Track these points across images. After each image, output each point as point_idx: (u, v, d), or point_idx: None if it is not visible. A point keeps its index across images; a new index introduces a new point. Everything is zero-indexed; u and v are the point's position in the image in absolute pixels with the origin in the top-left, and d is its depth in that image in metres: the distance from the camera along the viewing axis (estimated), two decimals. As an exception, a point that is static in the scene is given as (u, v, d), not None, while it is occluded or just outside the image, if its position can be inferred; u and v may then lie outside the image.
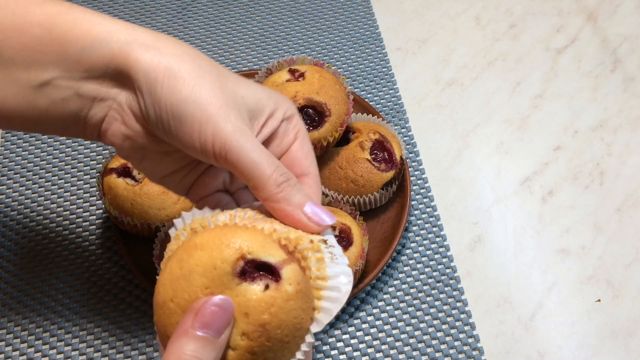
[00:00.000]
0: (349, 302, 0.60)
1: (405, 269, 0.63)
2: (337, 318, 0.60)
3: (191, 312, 0.32)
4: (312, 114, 0.61)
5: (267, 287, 0.33)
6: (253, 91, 0.39)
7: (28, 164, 0.70)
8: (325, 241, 0.37)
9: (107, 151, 0.71)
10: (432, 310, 0.60)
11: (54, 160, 0.70)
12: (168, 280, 0.34)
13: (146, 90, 0.36)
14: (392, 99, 0.76)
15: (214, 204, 0.42)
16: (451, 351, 0.58)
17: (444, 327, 0.59)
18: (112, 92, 0.37)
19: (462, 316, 0.60)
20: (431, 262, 0.63)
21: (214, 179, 0.43)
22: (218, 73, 0.37)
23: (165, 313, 0.33)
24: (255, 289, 0.33)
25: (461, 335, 0.59)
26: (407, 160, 0.69)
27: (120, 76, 0.36)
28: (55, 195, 0.67)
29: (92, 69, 0.36)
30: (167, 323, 0.33)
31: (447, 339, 0.59)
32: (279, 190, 0.36)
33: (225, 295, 0.33)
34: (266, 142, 0.40)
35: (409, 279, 0.62)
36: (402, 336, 0.59)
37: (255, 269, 0.33)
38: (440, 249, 0.64)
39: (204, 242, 0.34)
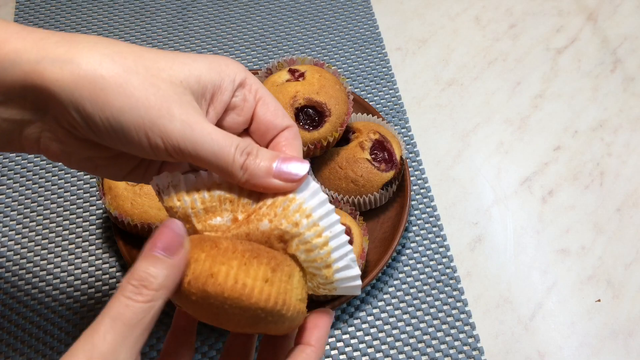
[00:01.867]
0: (349, 302, 0.60)
1: (405, 269, 0.63)
2: (337, 318, 0.60)
3: (150, 239, 0.34)
4: (312, 114, 0.61)
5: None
6: (190, 69, 0.35)
7: (28, 164, 0.70)
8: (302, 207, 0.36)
9: (107, 151, 0.71)
10: (432, 310, 0.60)
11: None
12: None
13: (74, 109, 0.33)
14: (392, 99, 0.76)
15: None
16: (451, 351, 0.58)
17: (444, 327, 0.59)
18: (38, 114, 0.35)
19: (462, 316, 0.60)
20: (431, 262, 0.63)
21: (177, 164, 0.41)
22: (146, 66, 0.34)
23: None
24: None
25: (461, 335, 0.59)
26: (407, 160, 0.69)
27: (41, 98, 0.34)
28: (55, 195, 0.67)
29: (8, 92, 0.33)
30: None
31: (447, 339, 0.59)
32: (244, 172, 0.35)
33: (177, 220, 0.34)
34: (224, 116, 0.39)
35: (409, 279, 0.62)
36: (402, 336, 0.59)
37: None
38: (440, 249, 0.64)
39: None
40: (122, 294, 0.32)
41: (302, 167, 0.36)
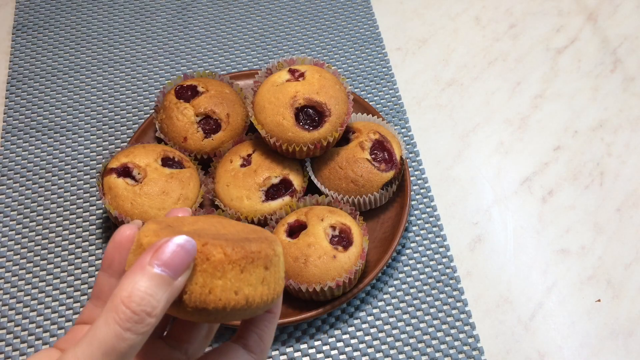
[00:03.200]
0: (349, 302, 0.60)
1: (405, 269, 0.63)
2: (337, 318, 0.60)
3: (151, 250, 0.29)
4: (312, 114, 0.61)
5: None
6: None
7: (28, 164, 0.70)
8: None
9: (107, 151, 0.71)
10: (432, 310, 0.60)
11: (54, 160, 0.70)
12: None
13: None
14: (392, 99, 0.76)
15: None
16: (451, 351, 0.58)
17: (444, 327, 0.59)
18: None
19: (462, 316, 0.60)
20: (431, 262, 0.63)
21: None
22: None
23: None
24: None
25: (461, 335, 0.59)
26: (407, 160, 0.69)
27: None
28: (55, 195, 0.67)
29: None
30: None
31: (447, 339, 0.59)
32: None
33: (190, 238, 0.30)
34: None
35: (409, 279, 0.62)
36: (402, 336, 0.59)
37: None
38: (440, 249, 0.64)
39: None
40: (117, 322, 0.27)
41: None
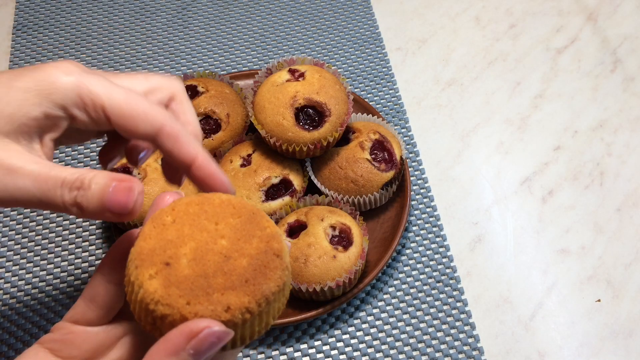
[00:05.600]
0: (349, 302, 0.60)
1: (405, 269, 0.63)
2: (337, 318, 0.60)
3: (185, 331, 0.29)
4: (312, 114, 0.61)
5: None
6: (6, 111, 0.33)
7: (28, 164, 0.70)
8: None
9: (107, 151, 0.71)
10: (432, 310, 0.60)
11: (53, 160, 0.70)
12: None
13: None
14: (392, 99, 0.76)
15: None
16: (451, 351, 0.58)
17: (444, 327, 0.59)
18: None
19: (462, 316, 0.60)
20: (431, 262, 0.63)
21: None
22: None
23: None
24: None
25: (461, 335, 0.59)
26: (407, 160, 0.69)
27: None
28: (55, 195, 0.67)
29: None
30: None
31: (447, 339, 0.59)
32: (77, 209, 0.32)
33: (229, 330, 0.30)
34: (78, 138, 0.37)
35: (409, 279, 0.62)
36: (402, 336, 0.59)
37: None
38: (440, 249, 0.64)
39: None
40: None
41: (130, 195, 0.32)
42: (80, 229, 0.65)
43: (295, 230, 0.59)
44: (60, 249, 0.63)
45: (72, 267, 0.62)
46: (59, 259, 0.63)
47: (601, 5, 0.85)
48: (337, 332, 0.59)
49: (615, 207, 0.67)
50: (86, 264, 0.63)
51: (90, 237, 0.64)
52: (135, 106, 0.35)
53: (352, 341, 0.59)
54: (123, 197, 0.32)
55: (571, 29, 0.83)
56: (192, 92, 0.66)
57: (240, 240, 0.32)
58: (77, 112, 0.34)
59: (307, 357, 0.58)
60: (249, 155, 0.63)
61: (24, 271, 0.62)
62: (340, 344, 0.58)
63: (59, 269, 0.62)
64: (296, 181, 0.63)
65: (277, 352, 0.58)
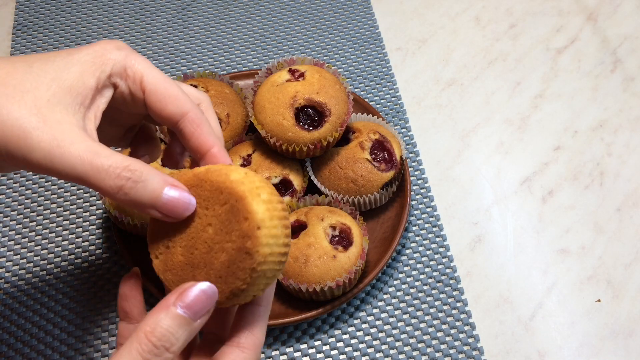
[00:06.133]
0: (349, 302, 0.60)
1: (405, 269, 0.63)
2: (337, 318, 0.60)
3: (176, 292, 0.33)
4: (312, 114, 0.61)
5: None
6: (58, 84, 0.35)
7: (28, 164, 0.70)
8: None
9: (107, 151, 0.71)
10: (432, 310, 0.60)
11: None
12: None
13: None
14: (392, 99, 0.76)
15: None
16: (451, 351, 0.58)
17: (444, 327, 0.59)
18: None
19: (462, 316, 0.60)
20: (431, 262, 0.63)
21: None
22: (13, 85, 0.34)
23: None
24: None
25: (461, 335, 0.59)
26: (407, 160, 0.69)
27: None
28: (55, 195, 0.67)
29: None
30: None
31: (447, 339, 0.59)
32: (123, 195, 0.34)
33: (212, 285, 0.34)
34: (115, 115, 0.40)
35: (409, 279, 0.62)
36: (402, 336, 0.59)
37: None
38: (440, 249, 0.64)
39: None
40: (139, 352, 0.31)
41: (189, 204, 0.35)
42: (80, 229, 0.65)
43: (295, 230, 0.59)
44: (60, 249, 0.63)
45: (72, 267, 0.62)
46: (59, 259, 0.63)
47: (601, 5, 0.85)
48: (337, 332, 0.59)
49: (615, 207, 0.67)
50: (86, 264, 0.62)
51: (91, 237, 0.64)
52: (169, 88, 0.38)
53: (352, 341, 0.59)
54: (181, 208, 0.35)
55: (571, 29, 0.83)
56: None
57: (222, 232, 0.35)
58: (120, 82, 0.38)
59: (307, 357, 0.58)
60: (249, 155, 0.63)
61: (23, 271, 0.62)
62: (340, 344, 0.58)
63: (59, 269, 0.62)
64: (296, 181, 0.63)
65: (277, 352, 0.58)
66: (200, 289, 0.33)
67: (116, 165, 0.34)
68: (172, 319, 0.32)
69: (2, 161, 0.34)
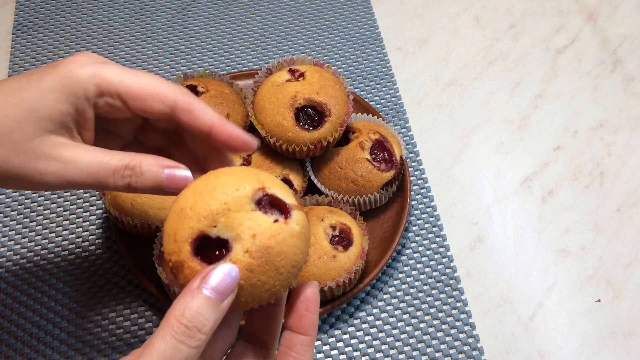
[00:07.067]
0: (349, 302, 0.60)
1: (405, 269, 0.63)
2: (337, 318, 0.60)
3: (200, 275, 0.33)
4: (312, 114, 0.61)
5: (276, 220, 0.35)
6: (44, 111, 0.38)
7: (28, 164, 0.70)
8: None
9: (107, 151, 0.71)
10: (432, 310, 0.60)
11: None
12: (191, 193, 0.36)
13: None
14: (392, 99, 0.76)
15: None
16: (451, 351, 0.58)
17: (444, 327, 0.59)
18: None
19: (462, 316, 0.60)
20: (431, 262, 0.63)
21: None
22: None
23: (180, 217, 0.36)
24: (266, 219, 0.35)
25: (461, 335, 0.59)
26: (407, 160, 0.69)
27: None
28: (55, 195, 0.67)
29: None
30: (180, 227, 0.35)
31: (447, 339, 0.59)
32: (131, 189, 0.37)
33: (234, 265, 0.34)
34: (106, 126, 0.42)
35: (409, 279, 0.62)
36: (402, 336, 0.59)
37: (270, 204, 0.36)
38: (440, 249, 0.64)
39: (232, 171, 0.37)
40: (173, 335, 0.31)
41: (185, 171, 0.38)
42: (80, 229, 0.65)
43: (295, 230, 0.58)
44: (60, 249, 0.63)
45: (73, 267, 0.62)
46: (59, 258, 0.63)
47: (601, 5, 0.85)
48: (337, 332, 0.59)
49: (615, 207, 0.67)
50: (86, 264, 0.62)
51: (91, 237, 0.64)
52: (146, 87, 0.39)
53: (352, 341, 0.59)
54: (181, 183, 0.38)
55: (571, 29, 0.83)
56: (192, 92, 0.66)
57: None
58: (98, 101, 0.39)
59: (307, 357, 0.58)
60: (249, 156, 0.63)
61: (23, 271, 0.62)
62: (340, 344, 0.58)
63: (59, 269, 0.62)
64: (296, 181, 0.63)
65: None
66: (222, 272, 0.33)
67: (119, 165, 0.38)
68: (200, 300, 0.32)
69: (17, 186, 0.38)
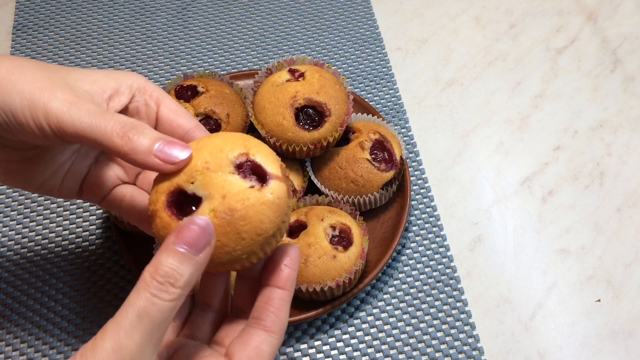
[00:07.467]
0: (349, 302, 0.60)
1: (405, 269, 0.63)
2: (337, 318, 0.60)
3: (174, 232, 0.34)
4: (312, 114, 0.61)
5: (252, 187, 0.36)
6: (87, 75, 0.39)
7: (28, 164, 0.70)
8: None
9: (107, 151, 0.71)
10: (432, 310, 0.60)
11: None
12: None
13: None
14: (392, 99, 0.76)
15: (119, 198, 0.45)
16: (451, 351, 0.58)
17: (444, 327, 0.59)
18: None
19: (462, 316, 0.60)
20: (431, 262, 0.63)
21: (103, 176, 0.45)
22: (43, 67, 0.39)
23: (166, 174, 0.37)
24: (241, 183, 0.36)
25: (461, 335, 0.59)
26: (407, 160, 0.69)
27: None
28: (55, 195, 0.67)
29: None
30: (163, 179, 0.37)
31: (447, 339, 0.59)
32: (124, 142, 0.36)
33: (206, 217, 0.35)
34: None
35: (409, 279, 0.62)
36: (402, 336, 0.59)
37: (252, 170, 0.37)
38: (440, 249, 0.64)
39: (226, 135, 0.38)
40: (147, 290, 0.32)
41: (182, 152, 0.37)
42: (80, 229, 0.65)
43: (295, 230, 0.59)
44: (60, 249, 0.63)
45: (73, 267, 0.62)
46: (59, 258, 0.63)
47: (601, 5, 0.85)
48: (337, 332, 0.59)
49: (615, 207, 0.67)
50: (87, 264, 0.63)
51: (91, 237, 0.64)
52: (180, 108, 0.42)
53: (352, 341, 0.59)
54: (174, 152, 0.37)
55: (571, 29, 0.83)
56: (192, 92, 0.66)
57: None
58: (137, 94, 0.42)
59: (307, 357, 0.58)
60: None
61: (23, 271, 0.62)
62: (340, 344, 0.58)
63: (59, 269, 0.62)
64: (296, 181, 0.63)
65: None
66: (194, 223, 0.34)
67: (123, 118, 0.37)
68: (173, 257, 0.33)
69: (20, 119, 0.37)
